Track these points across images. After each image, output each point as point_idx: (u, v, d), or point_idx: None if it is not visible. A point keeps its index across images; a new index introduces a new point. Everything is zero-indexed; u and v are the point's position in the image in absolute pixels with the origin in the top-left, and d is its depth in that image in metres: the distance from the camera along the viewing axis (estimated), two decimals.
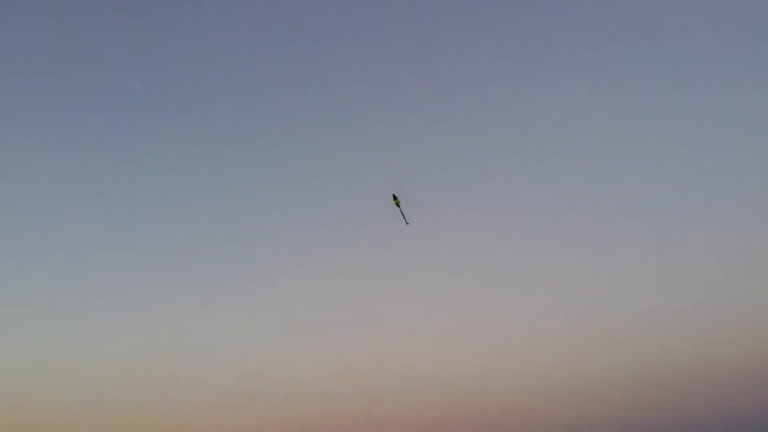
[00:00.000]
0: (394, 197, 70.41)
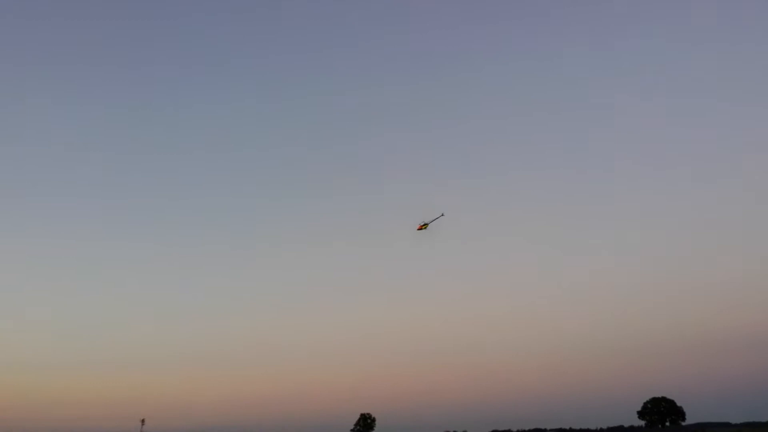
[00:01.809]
0: (424, 224, 73.58)
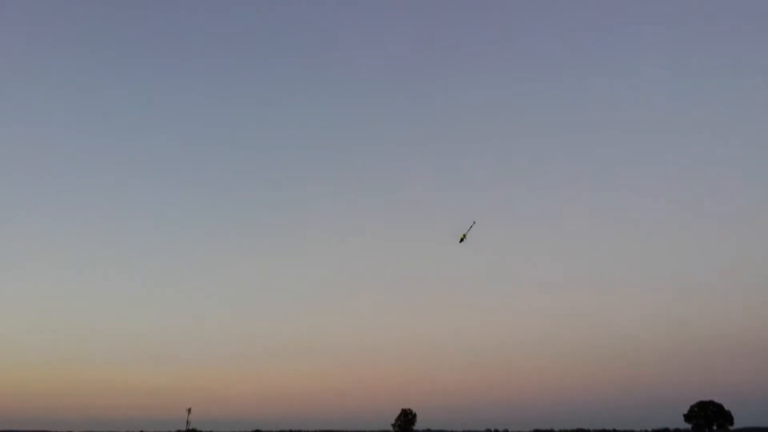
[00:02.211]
0: (464, 235, 75.01)
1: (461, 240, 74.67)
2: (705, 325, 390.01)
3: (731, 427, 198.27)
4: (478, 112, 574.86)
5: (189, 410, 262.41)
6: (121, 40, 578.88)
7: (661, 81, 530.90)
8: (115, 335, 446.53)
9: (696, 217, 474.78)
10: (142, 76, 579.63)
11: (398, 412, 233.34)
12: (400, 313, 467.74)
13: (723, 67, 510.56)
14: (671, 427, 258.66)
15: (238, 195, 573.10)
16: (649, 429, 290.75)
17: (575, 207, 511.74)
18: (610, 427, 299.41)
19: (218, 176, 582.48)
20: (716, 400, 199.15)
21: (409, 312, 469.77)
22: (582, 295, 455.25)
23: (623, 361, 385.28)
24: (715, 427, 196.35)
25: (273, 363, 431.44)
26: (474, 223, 73.62)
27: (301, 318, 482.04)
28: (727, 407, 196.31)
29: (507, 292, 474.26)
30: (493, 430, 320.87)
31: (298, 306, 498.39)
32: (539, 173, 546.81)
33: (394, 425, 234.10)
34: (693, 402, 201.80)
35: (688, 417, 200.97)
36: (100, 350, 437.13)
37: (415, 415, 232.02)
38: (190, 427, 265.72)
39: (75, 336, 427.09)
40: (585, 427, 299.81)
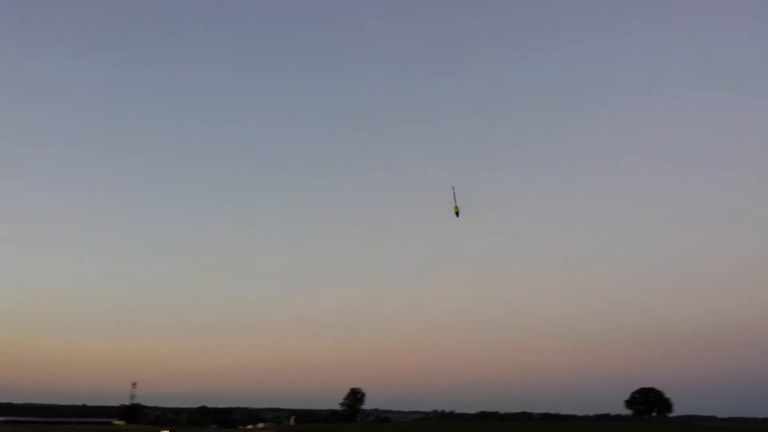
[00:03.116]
0: (456, 210, 73.21)
1: (456, 213, 73.16)
2: (647, 315, 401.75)
3: (670, 414, 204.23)
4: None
5: (134, 384, 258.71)
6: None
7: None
8: (56, 306, 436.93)
9: (650, 206, 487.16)
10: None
11: (347, 391, 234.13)
12: (350, 293, 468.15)
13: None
14: (612, 412, 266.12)
15: (190, 171, 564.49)
16: (592, 414, 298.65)
17: (532, 193, 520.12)
18: (554, 412, 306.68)
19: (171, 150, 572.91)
20: (656, 387, 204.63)
21: (359, 292, 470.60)
22: (528, 282, 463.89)
23: (568, 347, 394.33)
24: (654, 414, 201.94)
25: (222, 338, 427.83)
26: (452, 188, 72.20)
27: (252, 294, 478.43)
28: (667, 395, 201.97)
29: (456, 275, 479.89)
30: (440, 411, 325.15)
31: (247, 282, 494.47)
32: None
33: (342, 404, 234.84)
34: (634, 389, 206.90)
35: (629, 403, 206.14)
36: (39, 321, 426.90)
37: (363, 395, 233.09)
38: (135, 402, 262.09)
39: (16, 306, 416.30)
40: (529, 410, 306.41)
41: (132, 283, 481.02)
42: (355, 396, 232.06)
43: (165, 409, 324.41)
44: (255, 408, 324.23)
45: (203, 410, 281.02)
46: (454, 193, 71.11)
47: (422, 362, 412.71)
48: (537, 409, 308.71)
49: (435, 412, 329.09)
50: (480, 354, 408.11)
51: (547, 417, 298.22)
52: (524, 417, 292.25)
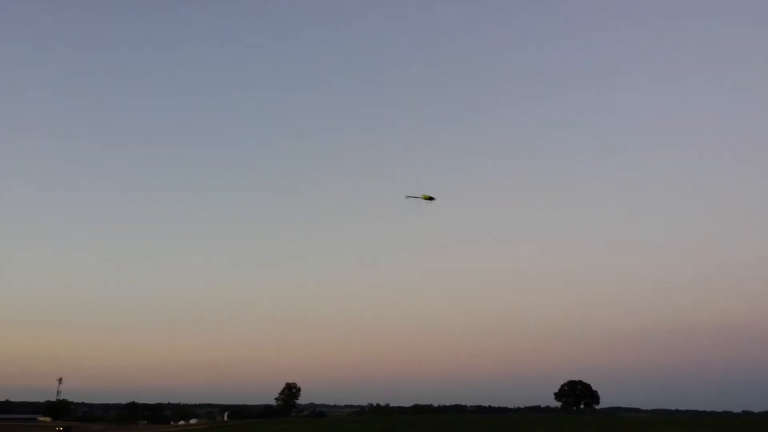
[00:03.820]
0: (429, 197, 72.90)
1: (429, 198, 72.70)
2: (576, 311, 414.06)
3: (597, 406, 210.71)
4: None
5: (60, 380, 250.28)
6: None
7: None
8: None
9: (586, 206, 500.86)
10: None
11: (282, 386, 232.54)
12: (283, 288, 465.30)
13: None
14: (542, 404, 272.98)
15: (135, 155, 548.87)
16: (522, 406, 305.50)
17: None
18: (486, 404, 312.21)
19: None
20: (584, 380, 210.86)
21: (295, 287, 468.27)
22: (462, 278, 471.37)
23: (500, 341, 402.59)
24: (582, 406, 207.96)
25: (152, 334, 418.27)
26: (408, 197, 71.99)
27: (183, 289, 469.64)
28: (594, 387, 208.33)
29: (390, 270, 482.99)
30: (375, 404, 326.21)
31: (177, 275, 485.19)
32: None
33: (277, 399, 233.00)
34: (563, 382, 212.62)
35: (558, 395, 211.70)
36: None
37: (299, 389, 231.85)
38: (61, 398, 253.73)
39: None
40: (462, 403, 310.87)
41: (58, 276, 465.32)
42: (291, 391, 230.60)
43: (93, 405, 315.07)
44: (187, 404, 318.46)
45: (133, 406, 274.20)
46: (416, 197, 71.38)
47: (358, 357, 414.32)
48: (470, 401, 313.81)
49: (370, 405, 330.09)
50: (414, 348, 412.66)
51: (480, 409, 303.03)
52: (458, 410, 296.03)
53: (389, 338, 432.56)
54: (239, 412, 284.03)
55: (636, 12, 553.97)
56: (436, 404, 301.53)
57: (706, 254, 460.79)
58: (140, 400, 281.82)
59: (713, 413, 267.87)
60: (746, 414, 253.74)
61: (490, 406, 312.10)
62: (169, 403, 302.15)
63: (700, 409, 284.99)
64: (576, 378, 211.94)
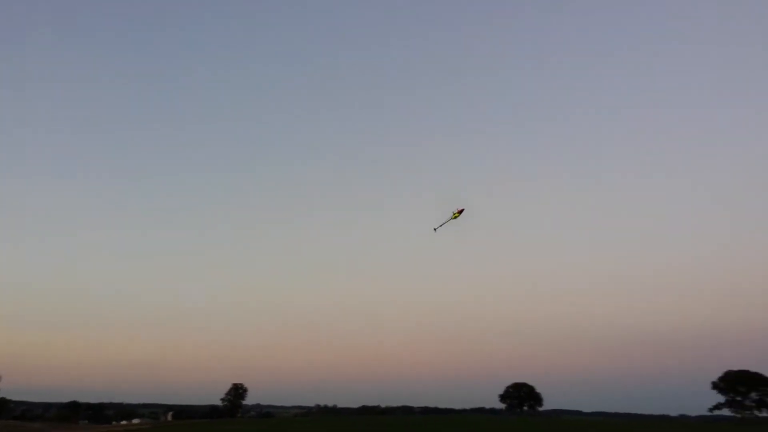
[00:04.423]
0: (456, 212, 70.11)
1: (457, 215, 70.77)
2: (522, 314, 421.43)
3: (540, 408, 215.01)
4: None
5: None
6: None
7: None
8: None
9: (518, 204, 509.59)
10: None
11: (229, 386, 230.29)
12: (235, 287, 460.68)
13: None
14: (487, 406, 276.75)
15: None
16: (468, 408, 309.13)
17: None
18: (433, 405, 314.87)
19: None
20: (528, 382, 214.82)
21: (241, 285, 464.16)
22: (406, 281, 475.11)
23: (447, 343, 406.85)
24: (526, 408, 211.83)
25: (94, 331, 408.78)
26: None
27: (128, 286, 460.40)
28: (538, 390, 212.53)
29: (336, 269, 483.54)
30: (322, 405, 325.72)
31: (122, 273, 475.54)
32: None
33: (223, 399, 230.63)
34: (508, 384, 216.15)
35: (503, 397, 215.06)
36: None
37: (246, 390, 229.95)
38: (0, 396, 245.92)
39: None
40: (410, 404, 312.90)
41: None
42: (237, 391, 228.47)
43: (33, 403, 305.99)
44: (130, 403, 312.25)
45: (74, 405, 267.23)
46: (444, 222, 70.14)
47: (306, 357, 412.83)
48: (417, 403, 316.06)
49: (318, 406, 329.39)
50: (362, 349, 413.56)
51: (427, 411, 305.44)
52: (405, 411, 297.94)
53: (337, 339, 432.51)
54: (184, 412, 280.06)
55: None
56: (383, 405, 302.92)
57: (645, 258, 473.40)
58: (82, 399, 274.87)
59: (651, 416, 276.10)
60: (683, 417, 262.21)
61: (437, 407, 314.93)
62: (111, 402, 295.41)
63: (639, 412, 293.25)
64: (521, 380, 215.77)
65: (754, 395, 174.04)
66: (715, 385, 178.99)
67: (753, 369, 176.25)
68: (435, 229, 70.11)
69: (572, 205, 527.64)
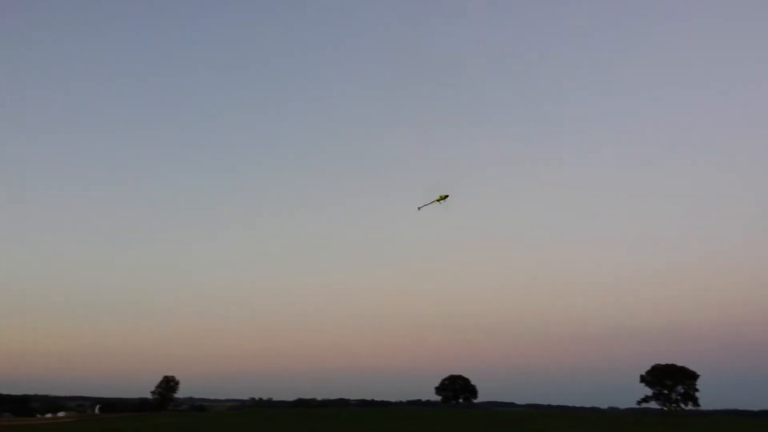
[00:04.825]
0: (441, 195, 68.59)
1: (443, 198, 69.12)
2: (458, 306, 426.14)
3: (475, 400, 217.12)
4: None
5: None
6: None
7: None
8: None
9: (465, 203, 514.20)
10: None
11: (160, 378, 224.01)
12: (166, 277, 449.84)
13: None
14: (423, 398, 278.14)
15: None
16: (404, 400, 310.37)
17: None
18: (370, 398, 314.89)
19: None
20: (464, 374, 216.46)
21: (173, 275, 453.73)
22: (344, 273, 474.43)
23: (383, 336, 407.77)
24: (461, 400, 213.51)
25: (17, 320, 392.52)
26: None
27: (51, 269, 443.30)
28: (473, 382, 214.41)
29: (274, 263, 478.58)
30: (257, 398, 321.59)
31: (52, 258, 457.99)
32: None
33: (154, 392, 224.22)
34: (444, 376, 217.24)
35: (439, 390, 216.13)
36: None
37: (177, 383, 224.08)
38: None
39: None
40: (346, 397, 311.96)
41: None
42: (168, 384, 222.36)
43: None
44: (56, 396, 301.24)
45: None
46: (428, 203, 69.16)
47: (240, 350, 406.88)
48: (354, 395, 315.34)
49: (252, 399, 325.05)
50: (298, 342, 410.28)
51: (363, 403, 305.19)
52: (341, 404, 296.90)
53: (271, 332, 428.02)
54: (112, 405, 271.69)
55: None
56: (319, 398, 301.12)
57: (578, 254, 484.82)
58: (4, 391, 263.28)
59: (582, 409, 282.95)
60: (613, 410, 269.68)
61: (373, 399, 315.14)
62: (36, 394, 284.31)
63: (570, 404, 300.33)
64: (456, 373, 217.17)
65: (680, 388, 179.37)
66: (643, 379, 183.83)
67: (679, 363, 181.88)
68: (419, 208, 70.08)
69: (506, 204, 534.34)
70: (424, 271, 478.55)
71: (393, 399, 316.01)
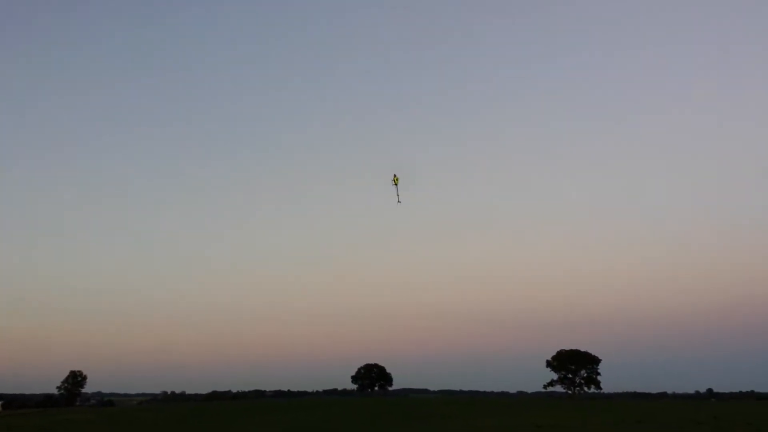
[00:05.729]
0: (395, 177, 67.69)
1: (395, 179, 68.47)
2: (373, 295, 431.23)
3: (390, 388, 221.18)
4: None
5: None
6: None
7: None
8: None
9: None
10: None
11: (67, 373, 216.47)
12: (71, 267, 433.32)
13: None
14: (340, 387, 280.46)
15: None
16: (320, 389, 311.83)
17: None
18: (286, 389, 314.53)
19: None
20: (380, 363, 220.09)
21: (81, 267, 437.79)
22: (262, 262, 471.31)
23: (298, 326, 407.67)
24: (376, 388, 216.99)
25: None
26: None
27: None
28: (388, 370, 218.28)
29: (191, 253, 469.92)
30: (169, 392, 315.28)
31: None
32: None
33: (60, 387, 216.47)
34: (360, 365, 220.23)
35: (355, 378, 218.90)
36: None
37: (85, 377, 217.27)
38: None
39: None
40: (262, 388, 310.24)
41: None
42: (75, 379, 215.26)
43: None
44: None
45: None
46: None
47: (152, 342, 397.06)
48: (269, 387, 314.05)
49: (164, 393, 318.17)
50: (211, 334, 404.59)
51: (279, 394, 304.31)
52: (257, 395, 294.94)
53: (184, 324, 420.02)
54: (14, 401, 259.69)
55: None
56: (234, 390, 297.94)
57: (486, 244, 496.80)
58: None
59: (492, 393, 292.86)
60: (521, 394, 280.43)
61: (289, 390, 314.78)
62: None
63: (481, 390, 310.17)
64: (373, 361, 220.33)
65: (583, 372, 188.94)
66: (549, 364, 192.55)
67: (583, 348, 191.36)
68: (399, 201, 70.60)
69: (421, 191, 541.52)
70: (338, 262, 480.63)
71: (309, 389, 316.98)
